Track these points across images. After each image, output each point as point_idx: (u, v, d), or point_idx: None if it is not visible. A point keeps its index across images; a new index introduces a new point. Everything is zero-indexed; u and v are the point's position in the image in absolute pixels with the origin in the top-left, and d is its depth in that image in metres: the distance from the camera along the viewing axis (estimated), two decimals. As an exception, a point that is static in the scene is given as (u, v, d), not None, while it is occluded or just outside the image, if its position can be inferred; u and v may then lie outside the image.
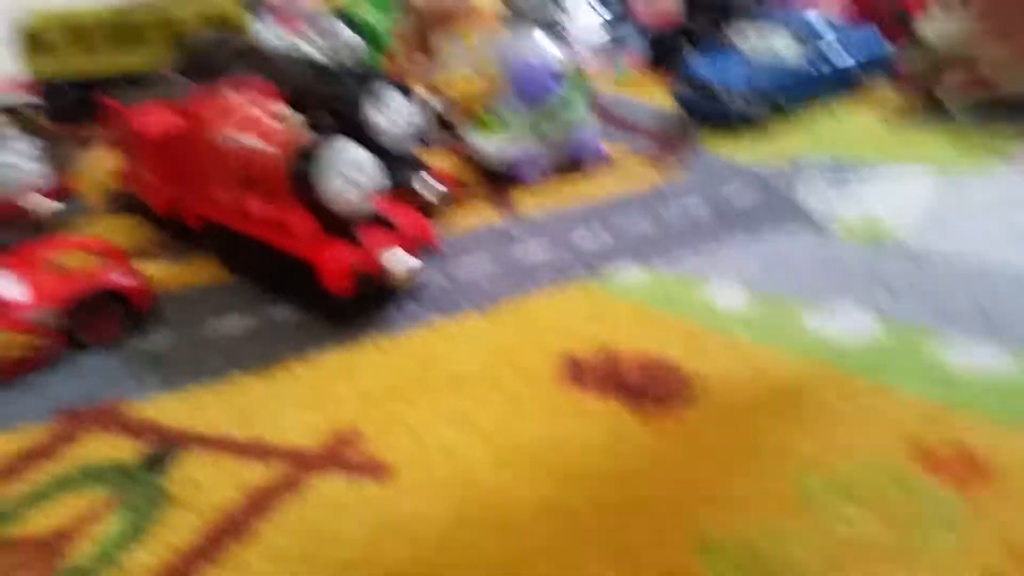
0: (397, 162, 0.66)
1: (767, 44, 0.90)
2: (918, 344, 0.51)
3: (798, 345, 0.52)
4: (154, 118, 0.70)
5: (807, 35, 0.89)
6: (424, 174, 0.72)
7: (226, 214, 0.64)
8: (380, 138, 0.66)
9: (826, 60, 0.90)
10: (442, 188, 0.72)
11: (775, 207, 0.69)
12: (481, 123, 0.80)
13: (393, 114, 0.69)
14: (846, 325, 0.53)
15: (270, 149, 0.58)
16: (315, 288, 0.57)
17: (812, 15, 0.96)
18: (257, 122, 0.61)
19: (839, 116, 0.88)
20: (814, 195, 0.71)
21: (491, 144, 0.78)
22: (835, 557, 0.38)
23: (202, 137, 0.64)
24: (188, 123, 0.68)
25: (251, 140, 0.60)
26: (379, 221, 0.59)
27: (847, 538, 0.39)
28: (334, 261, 0.56)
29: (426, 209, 0.68)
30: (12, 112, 0.75)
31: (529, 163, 0.77)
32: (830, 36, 0.91)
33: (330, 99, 0.67)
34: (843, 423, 0.46)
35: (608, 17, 1.16)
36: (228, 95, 0.65)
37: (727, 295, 0.58)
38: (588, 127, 0.81)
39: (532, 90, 0.77)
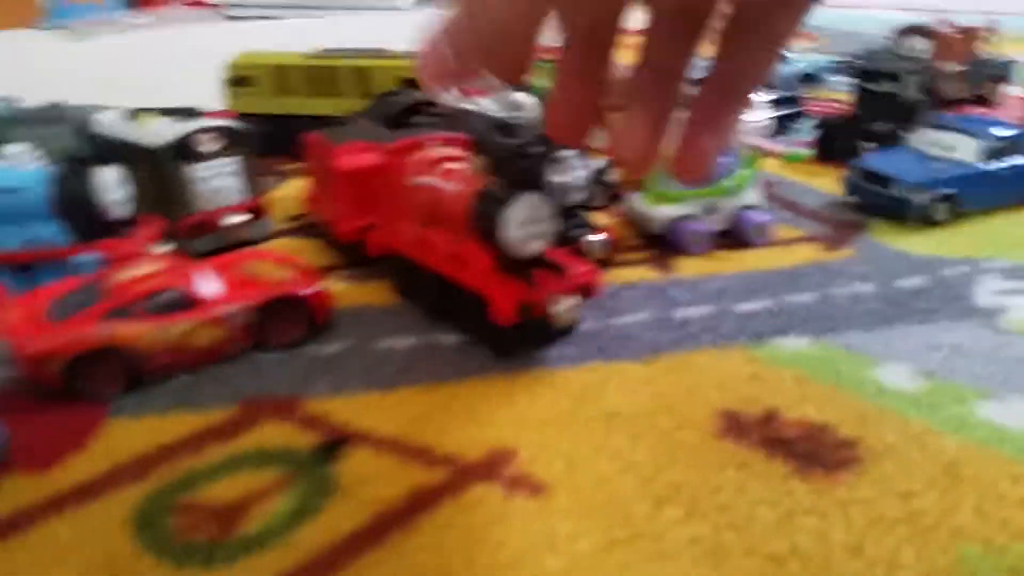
0: (567, 215, 0.69)
1: (945, 143, 0.89)
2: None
3: (969, 429, 0.50)
4: (353, 154, 0.77)
5: (987, 137, 0.88)
6: (590, 228, 0.74)
7: (408, 245, 0.68)
8: (555, 191, 0.69)
9: (1007, 162, 0.88)
10: (607, 241, 0.74)
11: (949, 300, 0.68)
12: (646, 190, 0.82)
13: (566, 169, 0.71)
14: (1018, 414, 0.51)
15: (457, 191, 0.62)
16: (483, 319, 0.60)
17: (998, 122, 0.94)
18: (447, 166, 0.65)
19: (1021, 223, 0.85)
20: (990, 295, 0.68)
21: (655, 209, 0.80)
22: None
23: (396, 175, 0.69)
24: (384, 162, 0.73)
25: (440, 182, 0.64)
26: (549, 265, 0.61)
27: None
28: (504, 295, 0.58)
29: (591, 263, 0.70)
30: (227, 133, 0.82)
31: (693, 231, 0.78)
32: (1012, 138, 0.89)
33: (512, 153, 0.71)
34: (1011, 505, 0.44)
35: (778, 100, 1.18)
36: (423, 141, 0.71)
37: (897, 376, 0.56)
38: (757, 205, 0.81)
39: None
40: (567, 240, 0.70)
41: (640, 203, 0.81)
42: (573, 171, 0.72)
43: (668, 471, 0.48)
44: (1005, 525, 0.42)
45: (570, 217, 0.72)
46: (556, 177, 0.70)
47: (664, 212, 0.79)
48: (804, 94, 1.31)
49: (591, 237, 0.73)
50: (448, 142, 0.71)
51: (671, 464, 0.48)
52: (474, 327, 0.63)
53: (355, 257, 0.77)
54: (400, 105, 0.90)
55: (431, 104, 0.89)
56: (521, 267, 0.60)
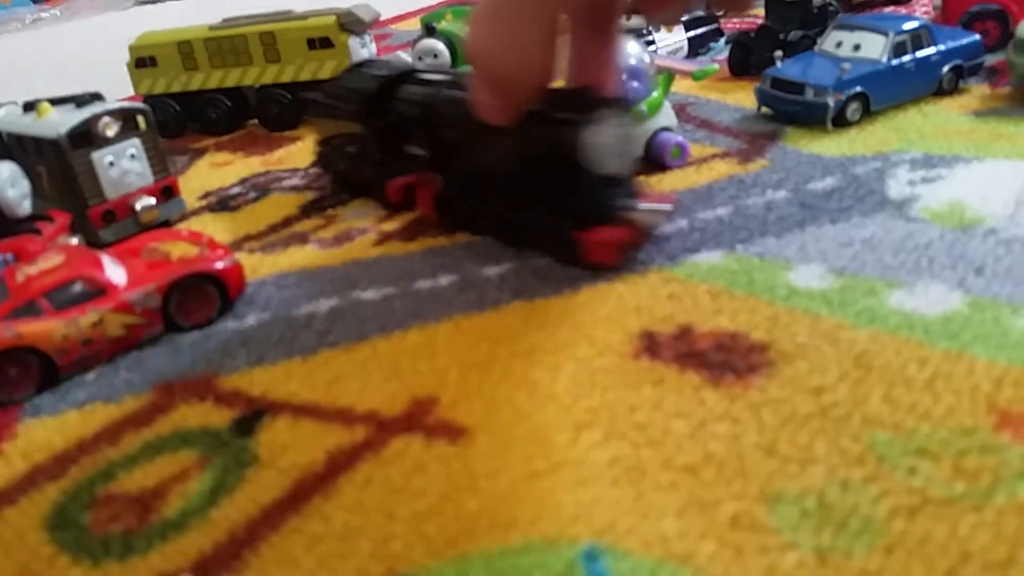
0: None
1: (855, 45, 0.89)
2: (999, 315, 0.49)
3: (879, 320, 0.51)
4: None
5: (892, 32, 0.88)
6: None
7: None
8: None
9: (917, 59, 0.88)
10: None
11: (862, 198, 0.68)
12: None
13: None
14: (928, 301, 0.52)
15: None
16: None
17: (902, 17, 0.94)
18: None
19: (930, 114, 0.86)
20: (902, 186, 0.69)
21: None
22: (905, 505, 0.37)
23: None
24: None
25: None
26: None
27: (918, 489, 0.38)
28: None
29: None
30: (128, 115, 0.80)
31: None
32: (921, 36, 0.89)
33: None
34: (919, 388, 0.44)
35: (694, 20, 1.17)
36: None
37: (808, 277, 0.57)
38: (671, 127, 0.81)
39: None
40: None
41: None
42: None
43: (587, 398, 0.48)
44: (913, 408, 0.43)
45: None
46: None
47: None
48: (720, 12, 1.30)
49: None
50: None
51: (590, 390, 0.49)
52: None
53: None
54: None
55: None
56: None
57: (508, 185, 0.67)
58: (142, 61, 1.14)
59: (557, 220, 0.63)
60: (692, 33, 1.16)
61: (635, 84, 0.79)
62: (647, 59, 0.80)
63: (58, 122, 0.77)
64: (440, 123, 0.72)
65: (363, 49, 1.11)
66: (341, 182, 0.87)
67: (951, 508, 0.37)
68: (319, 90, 0.88)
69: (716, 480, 0.40)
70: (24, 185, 0.72)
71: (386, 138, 0.79)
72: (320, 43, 1.09)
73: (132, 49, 1.14)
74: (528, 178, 0.65)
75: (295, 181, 0.92)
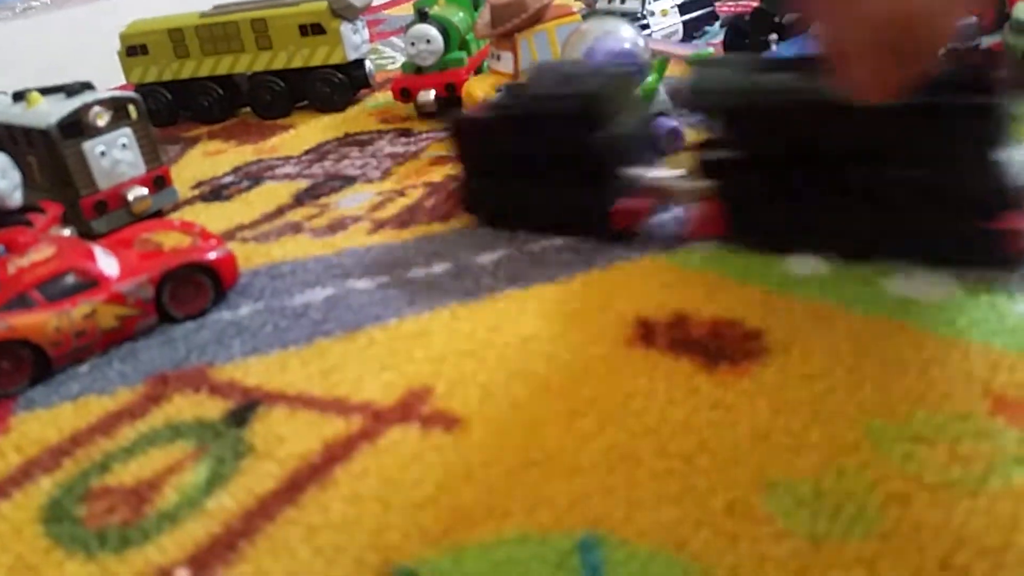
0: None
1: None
2: (995, 300, 0.49)
3: (874, 305, 0.51)
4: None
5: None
6: None
7: None
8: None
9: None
10: None
11: (856, 181, 0.67)
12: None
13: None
14: (924, 286, 0.52)
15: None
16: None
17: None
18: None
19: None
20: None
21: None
22: (900, 492, 0.37)
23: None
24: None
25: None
26: None
27: (913, 475, 0.38)
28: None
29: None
30: (119, 104, 0.79)
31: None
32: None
33: None
34: (914, 373, 0.44)
35: (689, 3, 1.16)
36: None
37: (804, 264, 0.56)
38: (669, 112, 0.80)
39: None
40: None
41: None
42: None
43: (582, 386, 0.48)
44: (908, 394, 0.43)
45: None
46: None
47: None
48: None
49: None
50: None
51: (585, 379, 0.48)
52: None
53: None
54: None
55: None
56: None
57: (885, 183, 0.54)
58: (133, 49, 1.13)
59: (969, 215, 0.52)
60: (687, 16, 1.16)
61: (631, 67, 0.78)
62: (641, 43, 0.80)
63: (48, 112, 0.77)
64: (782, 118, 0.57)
65: (355, 35, 1.10)
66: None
67: (946, 494, 0.37)
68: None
69: (711, 468, 0.40)
70: (15, 176, 0.72)
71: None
72: (312, 29, 1.08)
73: (123, 37, 1.13)
74: (920, 166, 0.52)
75: (288, 169, 0.92)
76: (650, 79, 0.80)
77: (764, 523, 0.37)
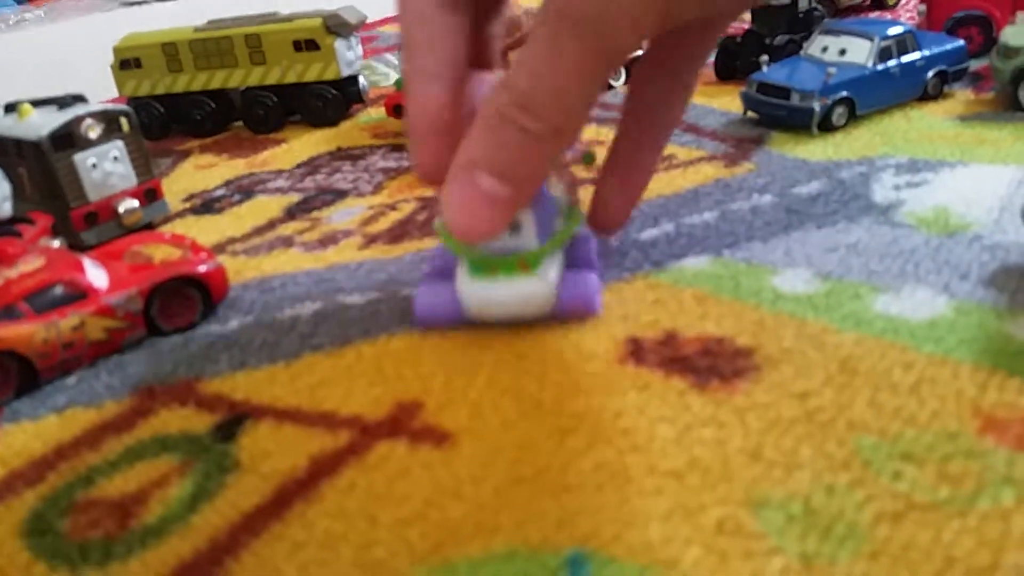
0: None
1: (840, 50, 0.89)
2: (984, 319, 0.50)
3: (865, 324, 0.51)
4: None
5: (877, 37, 0.88)
6: None
7: None
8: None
9: (902, 64, 0.88)
10: None
11: (848, 202, 0.68)
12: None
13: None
14: (913, 305, 0.52)
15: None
16: None
17: (887, 22, 0.95)
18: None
19: (915, 118, 0.86)
20: (888, 190, 0.69)
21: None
22: (889, 511, 0.37)
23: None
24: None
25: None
26: None
27: (903, 494, 0.38)
28: None
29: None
30: (111, 117, 0.79)
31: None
32: (906, 41, 0.89)
33: None
34: (904, 393, 0.44)
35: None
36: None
37: (795, 282, 0.57)
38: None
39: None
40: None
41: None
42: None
43: (573, 403, 0.48)
44: (898, 413, 0.43)
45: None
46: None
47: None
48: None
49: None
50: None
51: (576, 396, 0.48)
52: None
53: None
54: None
55: None
56: None
57: None
58: (126, 63, 1.13)
59: None
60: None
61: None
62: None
63: (40, 123, 0.76)
64: None
65: (349, 51, 1.10)
66: None
67: (935, 513, 0.37)
68: None
69: (701, 485, 0.40)
70: (4, 187, 0.72)
71: None
72: (306, 45, 1.08)
73: (116, 51, 1.13)
74: None
75: (280, 183, 0.92)
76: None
77: (755, 540, 0.37)
